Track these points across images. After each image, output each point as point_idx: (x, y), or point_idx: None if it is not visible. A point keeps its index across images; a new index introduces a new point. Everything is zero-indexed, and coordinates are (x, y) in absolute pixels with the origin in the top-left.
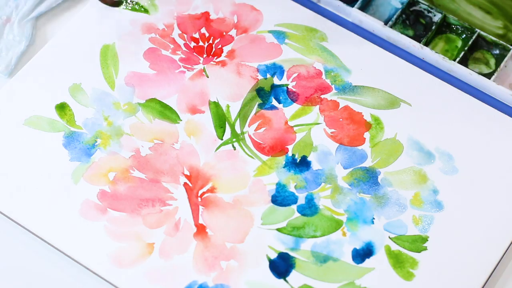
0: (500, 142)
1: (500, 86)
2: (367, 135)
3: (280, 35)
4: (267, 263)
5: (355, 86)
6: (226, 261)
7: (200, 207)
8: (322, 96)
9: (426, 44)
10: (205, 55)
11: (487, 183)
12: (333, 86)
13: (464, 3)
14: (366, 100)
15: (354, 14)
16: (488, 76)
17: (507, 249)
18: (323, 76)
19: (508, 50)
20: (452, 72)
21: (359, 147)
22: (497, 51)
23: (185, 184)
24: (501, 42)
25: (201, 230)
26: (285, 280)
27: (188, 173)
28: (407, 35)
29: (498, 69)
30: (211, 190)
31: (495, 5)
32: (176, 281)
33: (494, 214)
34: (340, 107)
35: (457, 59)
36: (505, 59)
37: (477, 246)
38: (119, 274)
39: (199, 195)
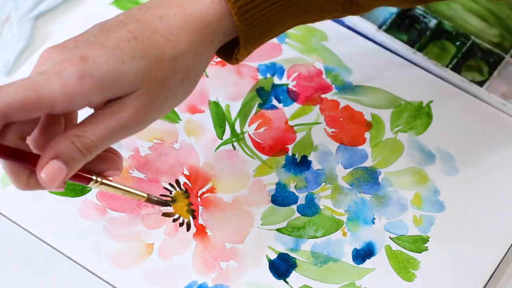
0: (502, 142)
1: (492, 94)
2: (367, 135)
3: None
4: (267, 263)
5: (356, 85)
6: (225, 262)
7: (200, 207)
8: (323, 96)
9: (420, 49)
10: None
11: (488, 184)
12: (333, 86)
13: (461, 10)
14: (366, 99)
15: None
16: (481, 84)
17: (508, 249)
18: (324, 76)
19: (502, 59)
20: (444, 78)
21: (360, 147)
22: (491, 59)
23: (184, 184)
24: (495, 50)
25: (200, 230)
26: (285, 281)
27: (187, 173)
28: (401, 39)
29: (491, 77)
30: (211, 190)
31: (492, 13)
32: (175, 282)
33: (496, 214)
34: (340, 107)
35: (450, 66)
36: (499, 67)
37: (479, 247)
38: (118, 275)
39: (198, 195)
